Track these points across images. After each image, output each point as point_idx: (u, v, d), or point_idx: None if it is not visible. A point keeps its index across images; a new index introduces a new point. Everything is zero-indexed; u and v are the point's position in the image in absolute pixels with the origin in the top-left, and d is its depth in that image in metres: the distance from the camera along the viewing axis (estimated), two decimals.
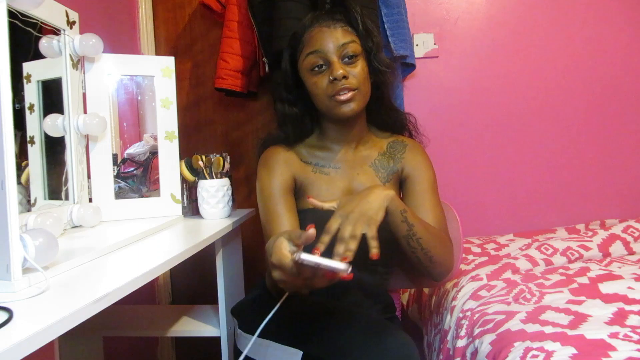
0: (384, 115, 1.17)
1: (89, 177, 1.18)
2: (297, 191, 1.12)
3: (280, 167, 1.10)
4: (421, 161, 1.15)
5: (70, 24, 1.10)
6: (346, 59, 1.04)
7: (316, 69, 1.05)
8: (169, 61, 1.27)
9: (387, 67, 1.10)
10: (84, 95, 1.16)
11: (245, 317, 1.09)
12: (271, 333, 0.95)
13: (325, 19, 1.08)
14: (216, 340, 1.25)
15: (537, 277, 1.26)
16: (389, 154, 1.16)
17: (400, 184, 1.16)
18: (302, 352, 0.91)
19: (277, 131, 1.18)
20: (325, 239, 0.86)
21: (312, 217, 1.08)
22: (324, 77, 1.05)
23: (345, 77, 1.02)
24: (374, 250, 0.86)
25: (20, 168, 1.01)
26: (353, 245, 0.85)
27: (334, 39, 1.04)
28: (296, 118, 1.14)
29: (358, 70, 1.04)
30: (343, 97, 1.03)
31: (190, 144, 1.95)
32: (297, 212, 1.10)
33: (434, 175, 1.14)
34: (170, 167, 1.28)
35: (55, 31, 1.06)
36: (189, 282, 2.04)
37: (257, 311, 1.04)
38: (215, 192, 1.29)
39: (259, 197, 1.11)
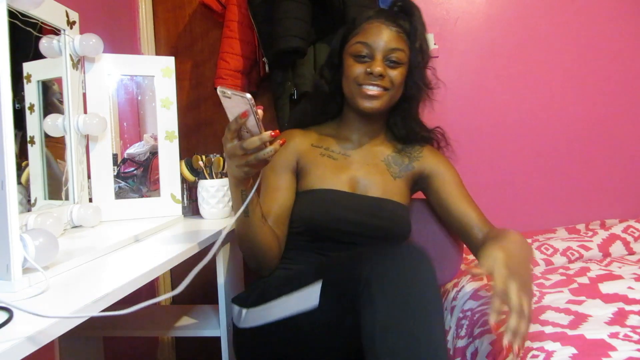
0: (404, 127, 1.20)
1: (89, 177, 1.18)
2: (301, 171, 1.15)
3: (288, 147, 1.14)
4: (443, 160, 1.21)
5: (70, 24, 1.10)
6: (389, 62, 1.08)
7: (358, 57, 1.09)
8: (169, 61, 1.28)
9: (426, 85, 1.15)
10: (84, 95, 1.16)
11: (248, 298, 1.06)
12: (283, 290, 0.94)
13: (388, 18, 1.10)
14: (216, 340, 1.25)
15: (537, 277, 1.26)
16: (404, 152, 1.20)
17: (416, 184, 1.20)
18: (321, 281, 0.86)
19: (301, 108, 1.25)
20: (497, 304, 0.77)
21: (311, 198, 1.10)
22: (362, 66, 1.08)
23: (381, 75, 1.06)
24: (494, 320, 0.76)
25: (20, 168, 1.01)
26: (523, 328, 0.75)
27: (387, 40, 1.08)
28: (324, 95, 1.18)
29: (396, 74, 1.08)
30: (370, 92, 1.07)
31: (190, 144, 1.95)
32: (298, 192, 1.12)
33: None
34: (170, 167, 1.28)
35: (55, 31, 1.06)
36: (189, 282, 2.03)
37: (260, 293, 1.02)
38: (215, 192, 1.29)
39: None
